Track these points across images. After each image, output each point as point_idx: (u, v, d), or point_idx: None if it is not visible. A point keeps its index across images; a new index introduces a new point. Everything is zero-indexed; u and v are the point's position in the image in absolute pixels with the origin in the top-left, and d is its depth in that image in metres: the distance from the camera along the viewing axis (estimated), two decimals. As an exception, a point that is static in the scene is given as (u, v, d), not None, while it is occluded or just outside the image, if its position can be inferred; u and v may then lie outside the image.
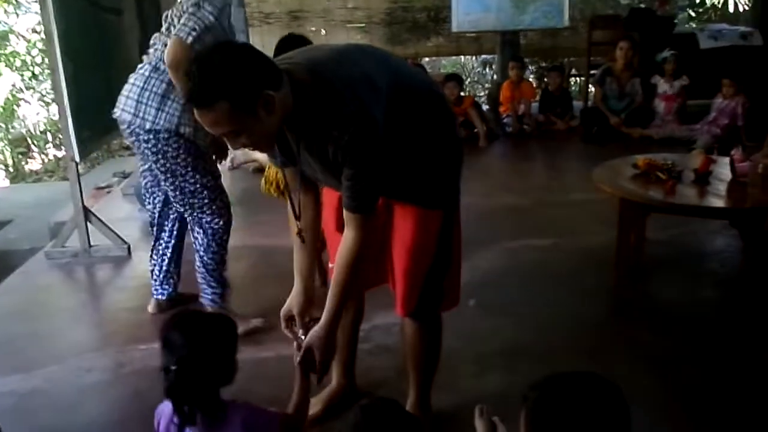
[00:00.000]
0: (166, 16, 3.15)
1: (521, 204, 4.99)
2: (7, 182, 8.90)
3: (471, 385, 2.78)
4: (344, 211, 1.98)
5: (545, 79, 7.65)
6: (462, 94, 6.98)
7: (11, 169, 9.23)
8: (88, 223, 4.24)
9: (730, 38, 7.60)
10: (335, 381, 2.65)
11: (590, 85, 7.87)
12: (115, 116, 3.15)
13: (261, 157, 5.86)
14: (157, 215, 3.43)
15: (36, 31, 9.27)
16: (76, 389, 2.90)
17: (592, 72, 7.70)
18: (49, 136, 9.52)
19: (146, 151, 3.06)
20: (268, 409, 1.87)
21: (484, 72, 11.23)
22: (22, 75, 9.64)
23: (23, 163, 9.39)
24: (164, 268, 3.47)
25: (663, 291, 3.64)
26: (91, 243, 4.25)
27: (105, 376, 2.99)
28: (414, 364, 2.45)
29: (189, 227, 3.26)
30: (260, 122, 1.79)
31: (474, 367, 2.91)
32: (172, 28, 3.03)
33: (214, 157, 3.21)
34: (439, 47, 9.16)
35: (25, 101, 9.64)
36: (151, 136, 3.02)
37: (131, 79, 3.14)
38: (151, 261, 3.51)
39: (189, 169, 3.05)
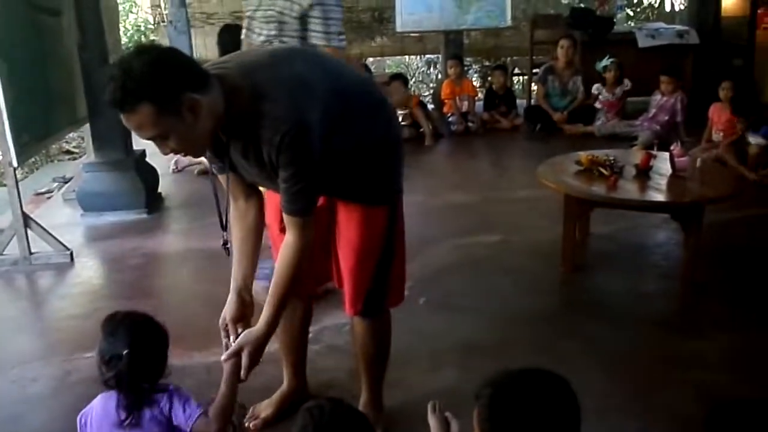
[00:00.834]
0: None
1: (469, 201, 5.04)
2: (-60, 189, 8.60)
3: (424, 382, 2.79)
4: (283, 215, 1.98)
5: (489, 79, 7.72)
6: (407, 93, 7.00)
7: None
8: (28, 230, 4.12)
9: (667, 37, 7.80)
10: (286, 383, 2.63)
11: (533, 84, 7.98)
12: None
13: (205, 159, 5.80)
14: None
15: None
16: (20, 399, 2.82)
17: (535, 71, 7.82)
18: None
19: None
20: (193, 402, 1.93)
21: (428, 72, 11.30)
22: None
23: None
24: None
25: (608, 284, 3.72)
26: (32, 250, 4.14)
27: (51, 385, 2.91)
28: (365, 363, 2.45)
29: None
30: (187, 126, 1.78)
31: (426, 364, 2.92)
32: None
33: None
34: (384, 47, 9.18)
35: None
36: None
37: None
38: None
39: None
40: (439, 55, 8.72)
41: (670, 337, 3.13)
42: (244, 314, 2.14)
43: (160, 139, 1.80)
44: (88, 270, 4.17)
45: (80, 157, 7.40)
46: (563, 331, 3.20)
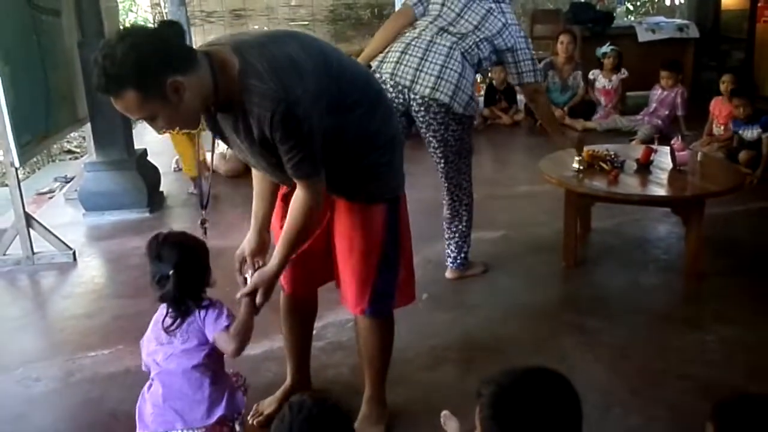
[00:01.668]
0: None
1: (469, 198, 5.03)
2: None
3: (425, 378, 2.80)
4: (293, 178, 2.01)
5: (489, 74, 7.72)
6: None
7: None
8: (31, 230, 4.13)
9: (667, 31, 7.80)
10: (290, 380, 2.64)
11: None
12: (416, 92, 3.28)
13: (208, 156, 5.81)
14: None
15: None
16: (23, 399, 2.83)
17: (535, 66, 7.80)
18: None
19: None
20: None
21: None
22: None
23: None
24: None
25: (610, 279, 3.72)
26: (35, 250, 4.15)
27: (54, 384, 2.92)
28: (368, 361, 2.46)
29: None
30: (173, 107, 1.81)
31: (428, 361, 2.93)
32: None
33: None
34: (384, 44, 9.16)
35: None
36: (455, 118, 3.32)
37: (445, 62, 3.27)
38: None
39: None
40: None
41: (672, 331, 3.14)
42: (262, 250, 2.27)
43: (149, 120, 1.85)
44: (91, 269, 4.18)
45: (82, 156, 7.40)
46: (564, 326, 3.21)
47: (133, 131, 5.34)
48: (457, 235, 3.66)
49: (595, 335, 3.11)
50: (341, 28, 8.97)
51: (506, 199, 4.98)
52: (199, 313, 2.08)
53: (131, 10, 11.25)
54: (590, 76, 7.09)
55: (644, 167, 3.74)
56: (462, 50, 3.32)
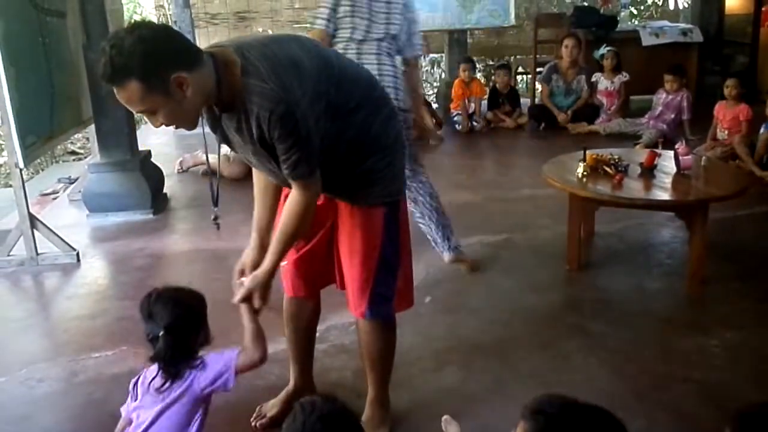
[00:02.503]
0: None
1: (473, 201, 5.05)
2: (-53, 190, 8.64)
3: (428, 382, 2.80)
4: (288, 179, 2.01)
5: (493, 78, 7.72)
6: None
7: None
8: (35, 231, 4.14)
9: (671, 35, 7.80)
10: (293, 382, 2.64)
11: (537, 83, 7.98)
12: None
13: (211, 159, 5.81)
14: None
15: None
16: (27, 400, 2.83)
17: (539, 70, 7.82)
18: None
19: None
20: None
21: (432, 71, 11.30)
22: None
23: (-36, 170, 9.14)
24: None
25: (613, 282, 3.72)
26: (38, 251, 4.16)
27: (58, 385, 2.92)
28: (370, 364, 2.46)
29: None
30: (176, 103, 1.82)
31: (431, 364, 2.93)
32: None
33: None
34: (388, 47, 9.17)
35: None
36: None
37: (379, 70, 3.42)
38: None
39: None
40: (443, 55, 8.73)
41: (676, 335, 3.14)
42: (262, 260, 2.22)
43: (148, 114, 1.86)
44: (95, 270, 4.18)
45: (86, 157, 7.42)
46: (568, 329, 3.21)
47: (137, 132, 5.35)
48: (433, 226, 3.79)
49: (598, 339, 3.11)
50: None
51: (509, 203, 4.98)
52: (192, 374, 2.02)
53: (136, 12, 11.28)
54: (593, 78, 7.10)
55: (648, 171, 3.73)
56: (385, 51, 3.48)
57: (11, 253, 4.17)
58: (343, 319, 3.16)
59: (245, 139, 1.97)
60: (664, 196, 3.62)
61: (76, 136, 7.38)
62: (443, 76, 9.11)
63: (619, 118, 6.91)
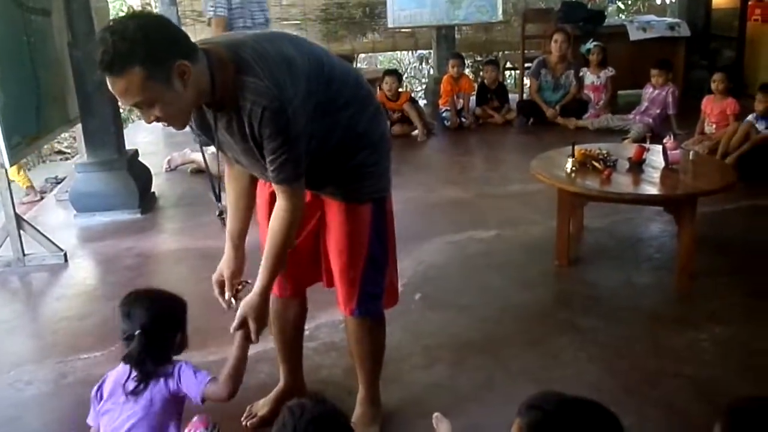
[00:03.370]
0: None
1: (462, 197, 5.04)
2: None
3: (418, 379, 2.80)
4: (274, 185, 2.00)
5: (481, 73, 7.72)
6: (400, 90, 7.00)
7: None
8: (21, 231, 4.11)
9: (658, 29, 7.81)
10: (283, 381, 2.63)
11: (525, 78, 7.99)
12: None
13: (198, 158, 5.79)
14: None
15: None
16: (15, 402, 2.81)
17: (527, 65, 7.82)
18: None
19: None
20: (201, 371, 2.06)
21: (420, 67, 11.29)
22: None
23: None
24: None
25: (603, 277, 3.72)
26: (25, 251, 4.13)
27: (46, 387, 2.90)
28: (360, 361, 2.46)
29: None
30: (174, 94, 1.78)
31: (421, 360, 2.93)
32: None
33: None
34: (376, 43, 9.18)
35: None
36: None
37: None
38: None
39: None
40: (431, 51, 8.72)
41: (665, 330, 3.14)
42: (241, 270, 2.25)
43: (145, 106, 1.79)
44: (83, 271, 4.16)
45: (72, 157, 7.38)
46: (558, 325, 3.21)
47: (125, 131, 5.32)
48: None
49: (589, 335, 3.11)
50: (333, 28, 8.94)
51: (499, 198, 4.98)
52: (168, 377, 2.00)
53: (121, 10, 11.21)
54: (580, 73, 7.11)
55: (637, 166, 3.74)
56: None
57: (-2, 254, 4.14)
58: (333, 317, 3.15)
59: (235, 138, 1.95)
60: (653, 190, 3.62)
61: (62, 135, 7.33)
62: (432, 72, 9.10)
63: (607, 113, 6.92)
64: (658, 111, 6.48)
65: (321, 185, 2.16)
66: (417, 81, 11.03)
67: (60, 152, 8.34)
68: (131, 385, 1.98)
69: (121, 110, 5.34)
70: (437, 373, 2.85)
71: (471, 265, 3.87)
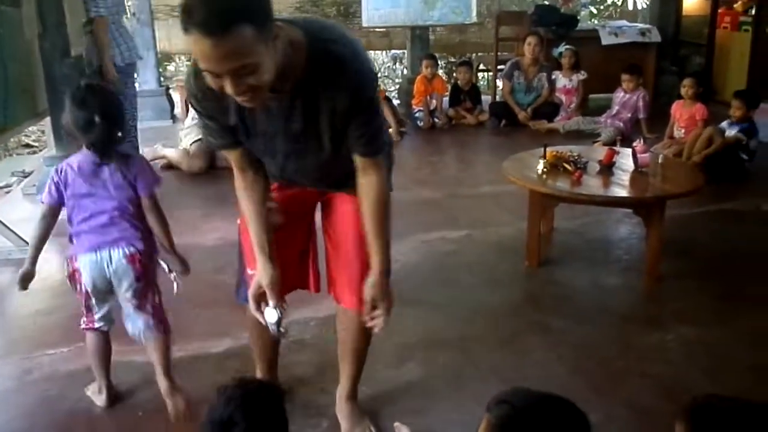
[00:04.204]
0: None
1: (434, 197, 5.06)
2: None
3: (389, 377, 2.80)
4: (362, 161, 1.95)
5: (454, 74, 7.74)
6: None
7: None
8: (-13, 225, 4.04)
9: (630, 35, 7.91)
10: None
11: (498, 80, 8.04)
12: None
13: (170, 153, 5.74)
14: None
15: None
16: (-22, 398, 2.76)
17: (500, 67, 7.87)
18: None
19: None
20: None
21: (394, 67, 11.30)
22: None
23: None
24: None
25: (572, 278, 3.76)
26: (-9, 245, 4.06)
27: (10, 383, 2.85)
28: (354, 356, 2.43)
29: None
30: (272, 57, 1.58)
31: (392, 359, 2.93)
32: None
33: None
34: (350, 42, 9.15)
35: None
36: None
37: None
38: None
39: None
40: (405, 51, 8.73)
41: (633, 331, 3.18)
42: (280, 277, 2.08)
43: (243, 74, 1.55)
44: (50, 265, 4.08)
45: (40, 150, 7.26)
46: (527, 324, 3.23)
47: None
48: None
49: (558, 334, 3.14)
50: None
51: (470, 199, 5.01)
52: (127, 164, 2.38)
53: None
54: (552, 76, 7.18)
55: (607, 168, 3.78)
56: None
57: (-38, 248, 4.07)
58: (304, 315, 3.15)
59: (292, 122, 1.83)
60: (623, 192, 3.67)
61: (30, 128, 7.22)
62: (405, 72, 9.12)
63: (578, 116, 6.99)
64: (629, 115, 6.57)
65: (344, 180, 2.08)
66: (390, 81, 11.04)
67: (27, 145, 8.19)
68: (91, 168, 2.32)
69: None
70: (408, 372, 2.85)
71: (442, 264, 3.89)
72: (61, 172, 2.41)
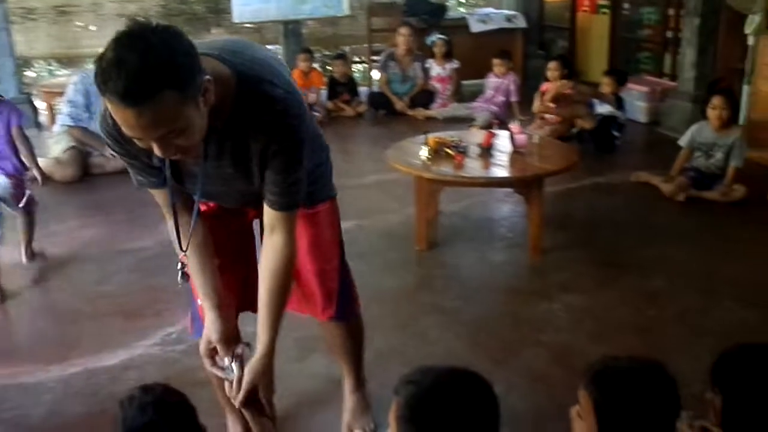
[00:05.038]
0: None
1: (321, 190, 5.05)
2: None
3: (294, 370, 2.82)
4: (271, 214, 1.77)
5: (329, 68, 7.77)
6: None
7: None
8: None
9: (497, 21, 8.17)
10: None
11: (373, 71, 8.11)
12: None
13: (40, 163, 5.46)
14: None
15: None
16: None
17: (374, 58, 7.95)
18: None
19: None
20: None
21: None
22: None
23: None
24: None
25: (461, 259, 3.87)
26: None
27: None
28: (350, 360, 2.45)
29: None
30: (201, 114, 1.48)
31: (295, 353, 2.94)
32: None
33: None
34: (221, 39, 9.00)
35: None
36: None
37: None
38: None
39: None
40: (279, 46, 8.67)
41: (523, 303, 3.33)
42: (232, 330, 1.91)
43: (171, 137, 1.46)
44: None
45: None
46: (423, 306, 3.31)
47: None
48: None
49: (452, 314, 3.23)
50: (175, 24, 8.68)
51: (356, 189, 5.03)
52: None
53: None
54: (426, 65, 7.32)
55: (486, 151, 3.91)
56: None
57: None
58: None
59: (223, 163, 1.71)
60: (503, 173, 3.81)
61: None
62: (280, 67, 9.04)
63: (454, 103, 7.16)
64: (503, 99, 6.79)
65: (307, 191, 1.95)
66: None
67: None
68: None
69: None
70: (312, 364, 2.88)
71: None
72: None
